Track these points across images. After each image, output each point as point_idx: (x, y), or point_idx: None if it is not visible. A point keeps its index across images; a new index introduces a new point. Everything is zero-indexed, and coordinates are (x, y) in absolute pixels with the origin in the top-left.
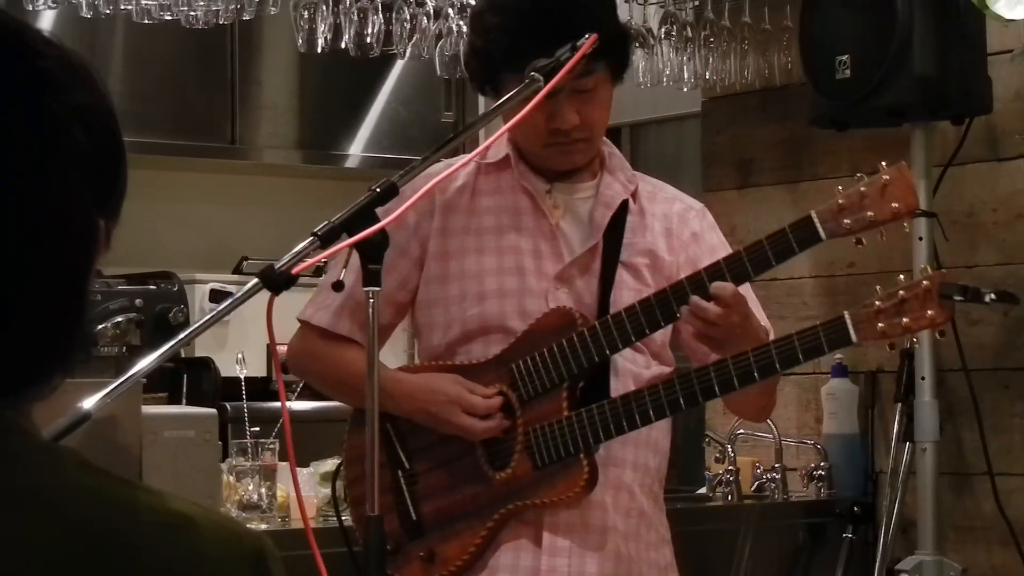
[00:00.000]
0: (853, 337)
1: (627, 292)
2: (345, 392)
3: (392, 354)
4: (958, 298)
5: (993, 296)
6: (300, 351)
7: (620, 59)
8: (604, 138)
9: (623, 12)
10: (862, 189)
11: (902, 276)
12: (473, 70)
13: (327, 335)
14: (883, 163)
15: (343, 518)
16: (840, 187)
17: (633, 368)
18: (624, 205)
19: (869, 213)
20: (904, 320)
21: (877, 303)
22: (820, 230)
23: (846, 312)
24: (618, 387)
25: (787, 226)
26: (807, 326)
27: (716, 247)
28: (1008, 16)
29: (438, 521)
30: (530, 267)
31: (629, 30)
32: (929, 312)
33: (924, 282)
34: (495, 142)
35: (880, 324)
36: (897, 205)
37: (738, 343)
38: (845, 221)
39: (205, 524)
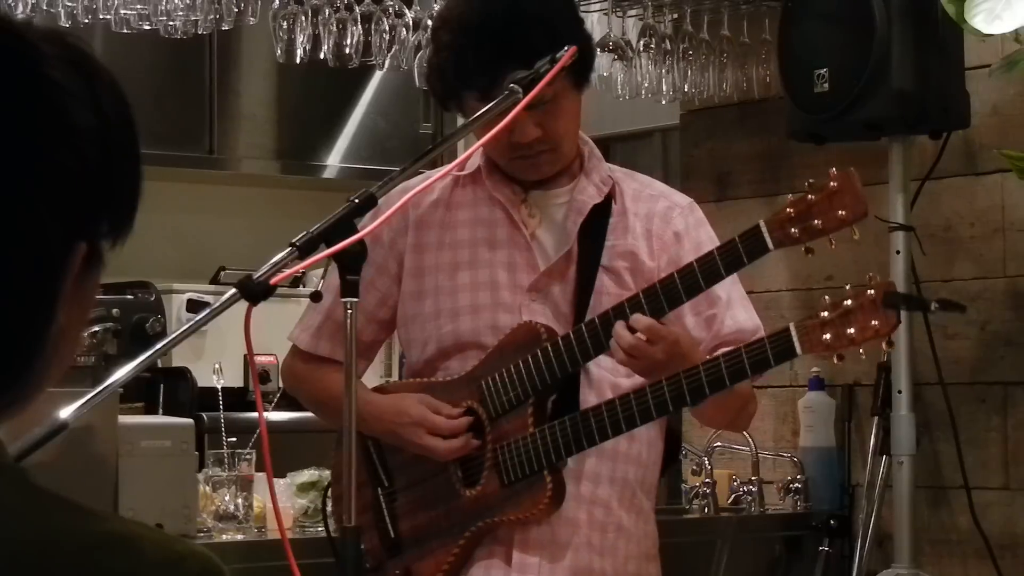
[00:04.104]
0: (798, 349)
1: (607, 297)
2: (325, 412)
3: (370, 369)
4: (903, 308)
5: (937, 304)
6: (288, 371)
7: (579, 68)
8: (586, 138)
9: (602, 25)
10: (810, 198)
11: (848, 286)
12: (432, 86)
13: (309, 356)
14: (832, 169)
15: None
16: (790, 196)
17: (611, 378)
18: (604, 208)
19: (816, 222)
20: (849, 331)
21: (823, 314)
22: (768, 240)
23: (792, 324)
24: (592, 398)
25: (736, 237)
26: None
27: (702, 244)
28: (986, 31)
29: (415, 539)
30: (504, 280)
31: (589, 37)
32: (874, 323)
33: (869, 292)
34: (472, 155)
35: (825, 336)
36: (844, 213)
37: (661, 373)
38: (792, 230)
39: (144, 545)
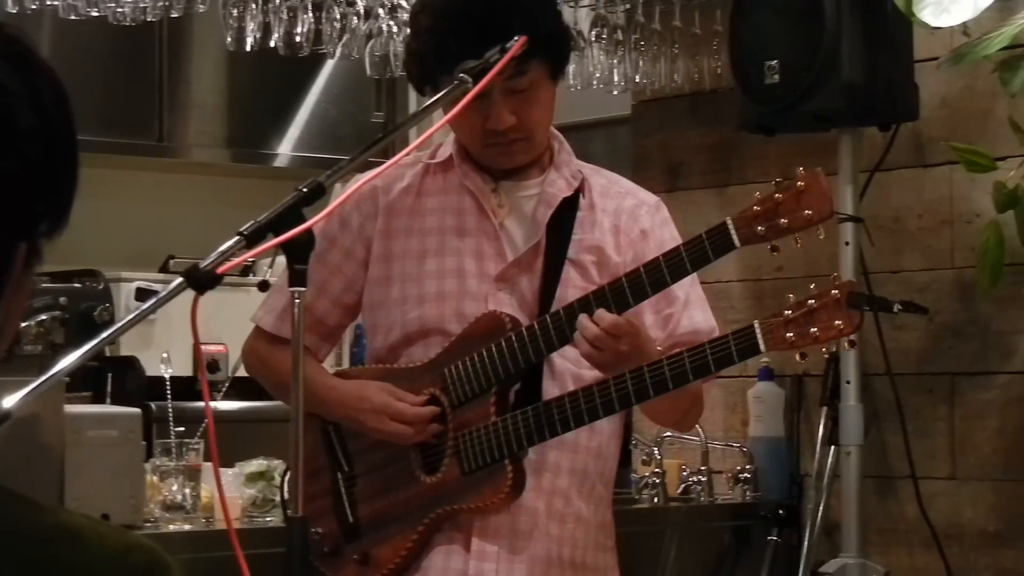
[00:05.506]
0: (762, 347)
1: (573, 290)
2: (287, 394)
3: (332, 355)
4: (866, 308)
5: (900, 306)
6: (250, 352)
7: (556, 57)
8: (556, 132)
9: None
10: (777, 196)
11: (813, 285)
12: (410, 71)
13: (273, 338)
14: (800, 169)
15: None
16: (757, 193)
17: (574, 369)
18: (572, 201)
19: (783, 220)
20: (813, 330)
21: (787, 312)
22: (735, 237)
23: (756, 321)
24: (554, 390)
25: (703, 233)
26: (733, 329)
27: (666, 244)
28: (934, 24)
29: (373, 524)
30: (471, 269)
31: (567, 28)
32: (837, 322)
33: (833, 291)
34: (432, 144)
35: (789, 334)
36: (810, 212)
37: (623, 366)
38: (759, 228)
39: (91, 538)
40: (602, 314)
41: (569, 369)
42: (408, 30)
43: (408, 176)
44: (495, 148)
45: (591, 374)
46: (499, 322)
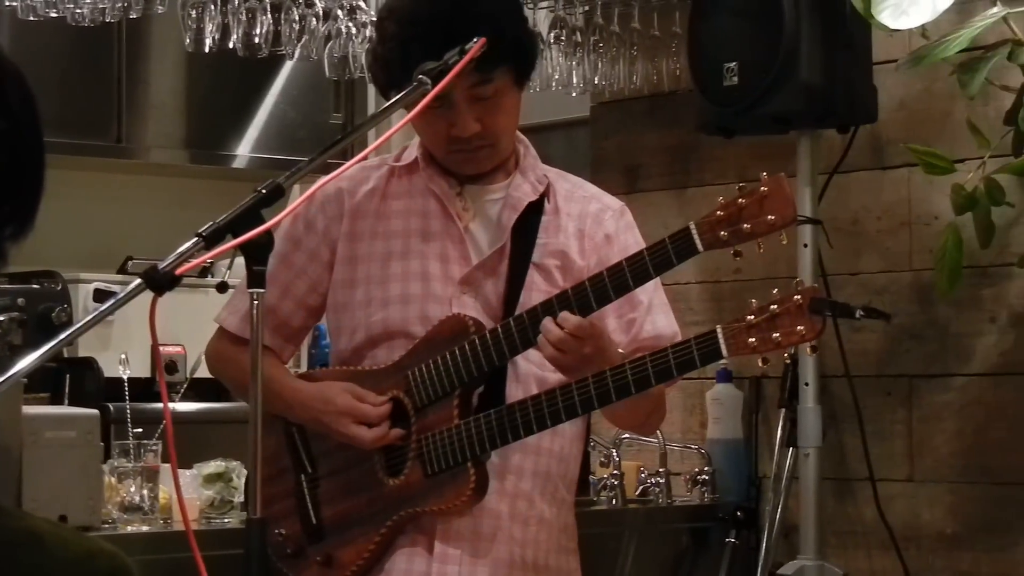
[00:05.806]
0: (724, 352)
1: (537, 294)
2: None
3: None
4: (828, 314)
5: (862, 312)
6: (213, 353)
7: (521, 64)
8: (521, 136)
9: None
10: (740, 201)
11: (776, 290)
12: (376, 77)
13: (236, 339)
14: (764, 174)
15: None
16: (721, 198)
17: (537, 372)
18: (537, 206)
19: (746, 225)
20: (775, 335)
21: (749, 317)
22: (698, 242)
23: (718, 326)
24: (518, 393)
25: (667, 237)
26: (693, 333)
27: (629, 248)
28: (893, 26)
29: (336, 526)
30: (436, 272)
31: (533, 34)
32: (799, 328)
33: (796, 297)
34: (394, 147)
35: (751, 339)
36: (773, 218)
37: (587, 370)
38: (722, 233)
39: (54, 542)
40: (566, 316)
41: (533, 372)
42: (368, 32)
43: (373, 179)
44: (460, 154)
45: (555, 377)
46: (463, 325)
